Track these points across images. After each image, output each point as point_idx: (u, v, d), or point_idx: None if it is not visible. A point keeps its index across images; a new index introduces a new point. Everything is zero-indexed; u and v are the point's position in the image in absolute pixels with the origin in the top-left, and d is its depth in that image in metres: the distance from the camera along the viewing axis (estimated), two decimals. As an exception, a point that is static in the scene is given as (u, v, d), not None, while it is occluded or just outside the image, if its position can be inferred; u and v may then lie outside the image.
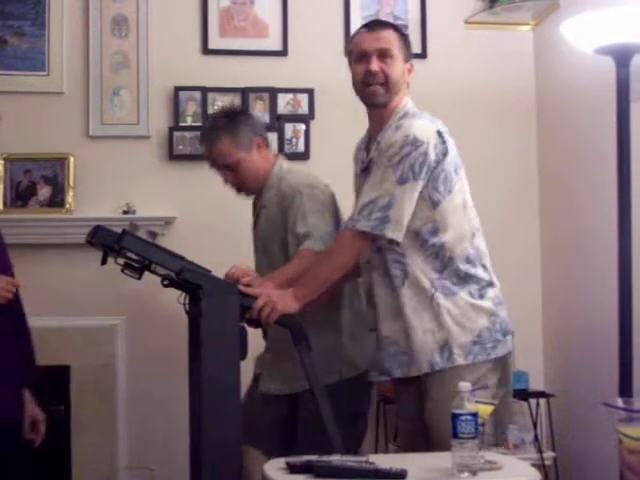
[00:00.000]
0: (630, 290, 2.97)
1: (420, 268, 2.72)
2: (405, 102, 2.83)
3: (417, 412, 2.79)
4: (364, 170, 2.85)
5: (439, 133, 2.71)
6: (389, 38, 2.80)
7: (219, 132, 3.14)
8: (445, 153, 2.71)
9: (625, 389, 2.91)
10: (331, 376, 2.96)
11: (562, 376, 4.15)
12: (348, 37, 4.20)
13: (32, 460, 3.82)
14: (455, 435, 2.17)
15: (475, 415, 2.18)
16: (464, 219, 2.77)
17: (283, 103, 4.16)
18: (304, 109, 4.17)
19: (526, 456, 3.71)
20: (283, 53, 4.18)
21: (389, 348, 2.78)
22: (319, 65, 4.15)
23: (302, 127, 4.13)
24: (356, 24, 4.20)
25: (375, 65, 2.76)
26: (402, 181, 2.65)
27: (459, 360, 2.68)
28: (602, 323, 3.52)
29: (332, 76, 3.91)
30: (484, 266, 2.79)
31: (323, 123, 4.15)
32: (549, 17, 4.14)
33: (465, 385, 2.22)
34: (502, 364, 2.77)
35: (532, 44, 4.37)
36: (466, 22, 4.30)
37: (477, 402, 2.24)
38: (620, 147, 2.98)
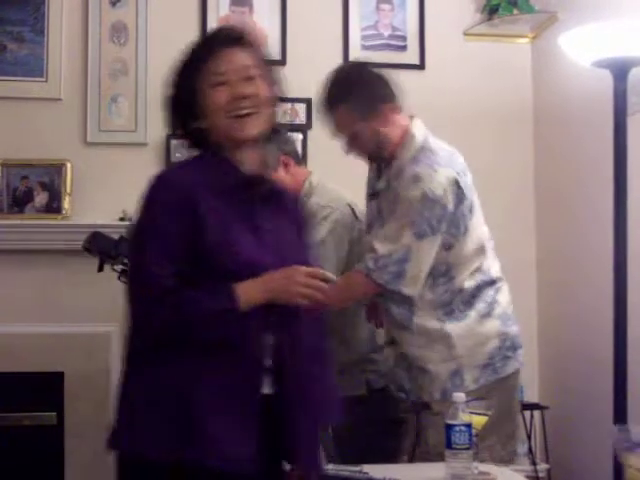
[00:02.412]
0: (625, 303, 2.97)
1: (428, 303, 2.73)
2: (412, 134, 2.80)
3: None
4: (372, 195, 2.86)
5: (456, 181, 2.69)
6: (340, 119, 2.84)
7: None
8: (462, 199, 2.70)
9: (619, 402, 2.92)
10: (359, 388, 2.97)
11: (556, 388, 4.14)
12: (346, 47, 4.22)
13: (25, 467, 3.83)
14: (449, 446, 2.17)
15: (469, 426, 2.18)
16: (477, 252, 2.78)
17: (280, 112, 4.15)
18: (302, 119, 4.17)
19: (520, 468, 3.69)
20: (281, 62, 4.18)
21: (404, 365, 2.81)
22: (317, 75, 4.14)
23: (299, 137, 4.13)
24: (355, 35, 4.23)
25: (346, 149, 2.90)
26: (420, 236, 2.65)
27: (470, 386, 2.69)
28: (597, 336, 3.52)
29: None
30: (492, 281, 2.80)
31: (321, 133, 4.15)
32: (547, 30, 4.16)
33: (459, 396, 2.22)
34: (510, 381, 2.78)
35: (530, 57, 4.38)
36: (465, 34, 4.31)
37: (471, 413, 2.25)
38: (617, 160, 2.99)
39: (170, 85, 2.15)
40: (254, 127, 2.06)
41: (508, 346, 2.76)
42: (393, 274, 2.63)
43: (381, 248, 2.66)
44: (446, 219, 2.66)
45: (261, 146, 2.12)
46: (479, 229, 2.81)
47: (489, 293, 2.78)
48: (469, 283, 2.75)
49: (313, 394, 2.02)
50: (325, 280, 1.93)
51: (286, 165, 3.12)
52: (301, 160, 3.27)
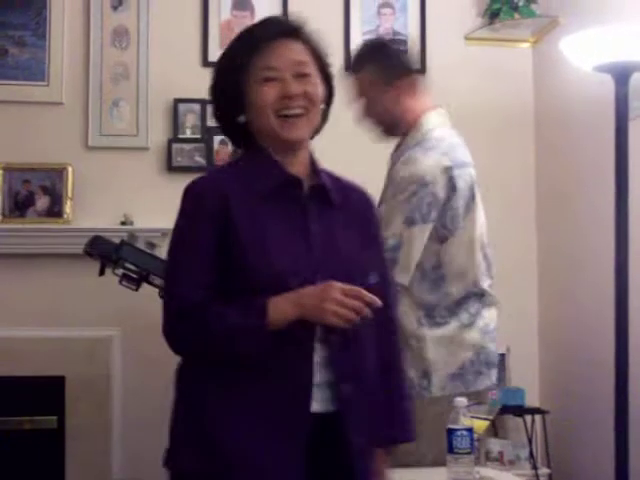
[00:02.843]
0: (626, 306, 2.97)
1: (412, 300, 2.68)
2: (425, 119, 2.80)
3: None
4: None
5: (447, 169, 2.66)
6: (360, 82, 2.84)
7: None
8: (454, 190, 2.67)
9: (620, 405, 2.91)
10: None
11: (557, 392, 4.14)
12: (348, 52, 4.22)
13: (26, 471, 3.83)
14: (450, 450, 2.17)
15: (470, 430, 2.18)
16: (469, 253, 2.74)
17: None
18: (303, 122, 4.16)
19: (521, 472, 3.70)
20: (283, 67, 4.18)
21: None
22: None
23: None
24: (356, 39, 4.23)
25: (358, 114, 2.87)
26: (410, 223, 2.62)
27: (435, 392, 2.66)
28: (598, 339, 3.52)
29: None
30: (482, 294, 2.77)
31: (321, 135, 4.15)
32: (549, 34, 4.16)
33: (461, 400, 2.22)
34: (481, 398, 2.69)
35: (531, 61, 4.39)
36: (466, 38, 4.32)
37: (472, 417, 2.24)
38: (618, 164, 2.99)
39: (215, 74, 1.98)
40: (304, 129, 1.92)
41: (482, 361, 2.70)
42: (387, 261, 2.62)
43: None
44: (436, 207, 2.63)
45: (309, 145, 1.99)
46: (476, 232, 2.77)
47: (475, 305, 2.73)
48: (457, 288, 2.70)
49: (376, 412, 1.90)
50: (365, 301, 1.75)
51: None
52: None
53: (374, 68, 2.81)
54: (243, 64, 1.90)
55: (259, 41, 1.91)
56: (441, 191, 2.63)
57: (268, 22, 2.01)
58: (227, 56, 1.96)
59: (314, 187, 1.93)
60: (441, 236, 2.67)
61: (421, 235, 2.64)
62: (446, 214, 2.66)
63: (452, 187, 2.66)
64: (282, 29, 1.96)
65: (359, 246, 1.94)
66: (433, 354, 2.66)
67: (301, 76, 1.90)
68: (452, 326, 2.69)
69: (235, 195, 1.85)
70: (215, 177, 2.02)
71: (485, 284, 2.76)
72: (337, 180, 2.02)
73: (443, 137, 2.76)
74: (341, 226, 1.93)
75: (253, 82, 1.89)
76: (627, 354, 2.95)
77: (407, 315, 2.64)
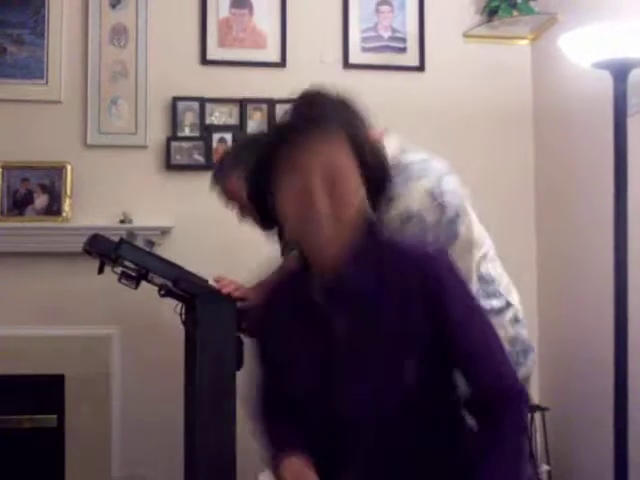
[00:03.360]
0: (625, 304, 2.97)
1: None
2: (393, 151, 2.72)
3: None
4: None
5: (430, 194, 2.58)
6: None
7: (226, 171, 3.05)
8: (442, 210, 2.63)
9: (620, 403, 2.91)
10: None
11: (557, 389, 4.14)
12: (346, 50, 4.22)
13: (26, 469, 3.83)
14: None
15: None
16: (468, 259, 2.73)
17: (281, 114, 4.14)
18: (302, 121, 4.16)
19: (521, 469, 3.70)
20: (281, 64, 4.19)
21: None
22: (317, 77, 4.14)
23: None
24: (354, 37, 4.24)
25: None
26: None
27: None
28: (598, 337, 3.52)
29: (330, 88, 3.91)
30: (495, 294, 2.76)
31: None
32: (547, 31, 4.16)
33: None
34: None
35: (530, 58, 4.39)
36: (464, 35, 4.31)
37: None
38: (617, 161, 2.98)
39: (248, 176, 1.86)
40: (334, 247, 1.72)
41: (519, 350, 2.72)
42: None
43: None
44: (429, 230, 2.61)
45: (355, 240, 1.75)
46: (474, 235, 2.75)
47: (494, 305, 2.75)
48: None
49: None
50: None
51: None
52: None
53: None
54: (266, 169, 1.80)
55: (279, 142, 1.80)
56: (430, 216, 2.59)
57: (291, 113, 1.96)
58: (258, 156, 1.85)
59: (343, 278, 1.74)
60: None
61: None
62: (442, 232, 2.62)
63: (441, 207, 2.61)
64: (303, 121, 1.84)
65: (398, 333, 1.71)
66: None
67: (327, 185, 1.72)
68: None
69: (278, 310, 1.85)
70: (275, 287, 1.96)
71: (491, 302, 2.75)
72: (389, 249, 1.82)
73: (411, 160, 2.69)
74: (374, 316, 1.73)
75: (276, 190, 1.79)
76: (626, 352, 2.95)
77: None
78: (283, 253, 3.08)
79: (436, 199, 2.60)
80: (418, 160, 2.66)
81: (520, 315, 2.78)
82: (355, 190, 1.74)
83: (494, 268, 2.82)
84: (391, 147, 2.66)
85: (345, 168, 1.72)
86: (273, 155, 1.75)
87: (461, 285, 1.80)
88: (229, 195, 3.03)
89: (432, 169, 2.66)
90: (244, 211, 3.02)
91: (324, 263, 1.74)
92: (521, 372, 2.72)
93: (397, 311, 1.72)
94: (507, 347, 2.67)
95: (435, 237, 2.61)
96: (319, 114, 1.80)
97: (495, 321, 2.64)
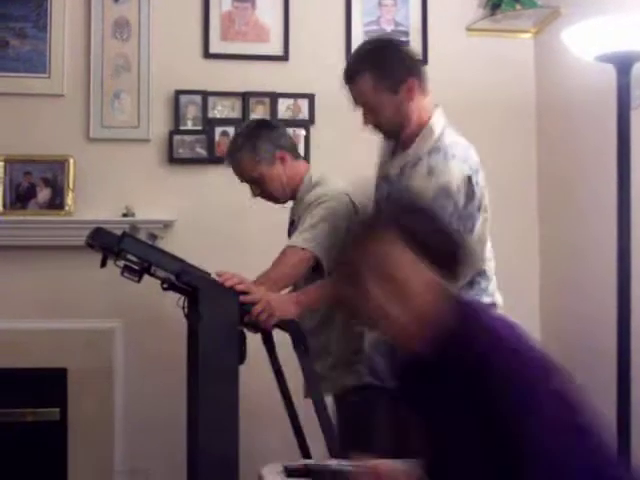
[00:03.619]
0: (629, 294, 2.97)
1: None
2: (433, 121, 2.77)
3: None
4: (383, 178, 2.83)
5: (468, 179, 2.64)
6: (361, 90, 2.76)
7: (238, 151, 3.12)
8: (471, 197, 2.65)
9: (623, 394, 2.92)
10: (355, 378, 2.96)
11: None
12: (349, 43, 4.21)
13: (29, 463, 3.84)
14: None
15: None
16: (477, 257, 2.74)
17: (283, 108, 4.15)
18: (304, 114, 4.16)
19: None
20: (284, 58, 4.18)
21: (381, 350, 2.80)
22: (320, 70, 4.15)
23: (302, 132, 4.13)
24: (357, 30, 4.23)
25: (365, 121, 2.77)
26: None
27: None
28: (601, 328, 3.51)
29: (333, 82, 3.91)
30: (486, 290, 2.77)
31: (323, 129, 4.15)
32: (550, 25, 4.15)
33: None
34: None
35: (533, 51, 4.38)
36: (467, 29, 4.31)
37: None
38: (620, 154, 2.99)
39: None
40: (406, 336, 1.84)
41: None
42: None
43: None
44: (455, 216, 2.63)
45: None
46: (485, 235, 2.78)
47: (482, 282, 2.76)
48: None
49: None
50: None
51: (282, 160, 3.11)
52: (299, 154, 3.26)
53: (377, 74, 2.74)
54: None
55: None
56: (461, 201, 2.62)
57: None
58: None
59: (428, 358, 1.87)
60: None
61: None
62: (461, 220, 2.63)
63: (470, 196, 2.64)
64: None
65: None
66: None
67: (378, 278, 1.82)
68: None
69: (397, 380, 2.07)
70: None
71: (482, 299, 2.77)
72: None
73: (456, 142, 2.74)
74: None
75: None
76: (629, 342, 2.96)
77: None
78: (290, 233, 3.10)
79: (471, 187, 2.63)
80: (463, 144, 2.71)
81: (498, 301, 2.82)
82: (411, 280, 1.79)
83: (490, 268, 2.83)
84: (440, 122, 2.73)
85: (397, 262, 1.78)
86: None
87: None
88: (243, 173, 3.12)
89: (472, 159, 2.70)
90: (256, 188, 3.13)
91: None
92: None
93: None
94: None
95: (457, 223, 2.63)
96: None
97: None
